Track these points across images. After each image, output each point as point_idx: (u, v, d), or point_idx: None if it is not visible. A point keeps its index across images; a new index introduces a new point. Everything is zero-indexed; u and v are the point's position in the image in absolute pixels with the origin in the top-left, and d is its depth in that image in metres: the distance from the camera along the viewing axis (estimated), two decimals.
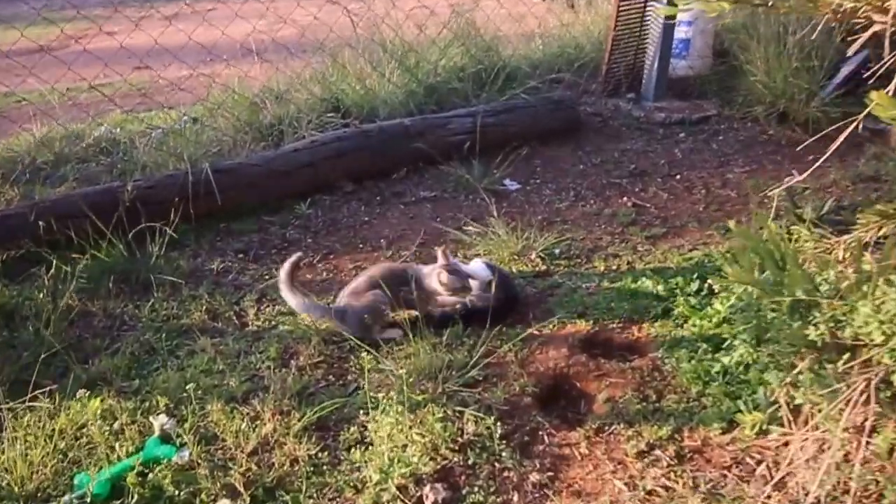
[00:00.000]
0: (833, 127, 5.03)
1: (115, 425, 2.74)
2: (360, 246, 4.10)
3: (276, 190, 4.44)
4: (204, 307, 3.52)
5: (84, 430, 2.72)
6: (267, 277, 3.78)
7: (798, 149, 3.81)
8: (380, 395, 2.85)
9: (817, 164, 2.56)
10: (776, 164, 4.98)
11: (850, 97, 5.39)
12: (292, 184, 4.48)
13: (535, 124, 5.22)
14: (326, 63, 5.69)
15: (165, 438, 2.64)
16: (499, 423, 2.73)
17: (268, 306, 3.56)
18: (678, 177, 4.85)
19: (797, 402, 2.37)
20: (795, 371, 2.34)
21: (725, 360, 2.49)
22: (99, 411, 2.77)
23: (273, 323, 3.43)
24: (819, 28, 2.60)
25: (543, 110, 5.29)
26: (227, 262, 3.93)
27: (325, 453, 2.66)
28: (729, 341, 2.54)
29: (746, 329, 2.45)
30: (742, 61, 5.64)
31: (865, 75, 5.72)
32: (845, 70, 5.56)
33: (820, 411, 2.30)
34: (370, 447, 2.68)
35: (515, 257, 3.86)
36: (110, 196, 3.92)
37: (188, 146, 4.72)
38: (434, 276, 3.25)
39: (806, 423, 2.36)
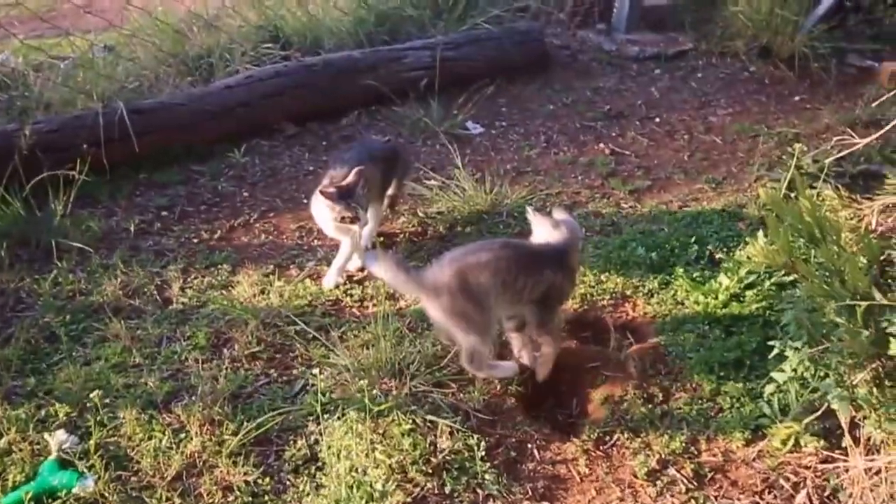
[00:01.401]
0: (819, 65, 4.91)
1: (1, 443, 2.27)
2: (305, 201, 3.57)
3: (206, 134, 4.00)
4: (118, 280, 3.00)
5: None
6: (195, 241, 3.28)
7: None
8: (333, 397, 2.41)
9: None
10: (761, 106, 4.68)
11: (838, 30, 5.09)
12: (224, 127, 4.05)
13: (500, 59, 4.74)
14: None
15: (65, 462, 2.21)
16: (479, 437, 2.28)
17: (196, 277, 3.05)
18: (657, 120, 4.48)
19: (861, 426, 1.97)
20: (854, 383, 1.92)
21: (779, 376, 2.05)
22: None
23: (202, 300, 2.93)
24: None
25: (509, 43, 4.81)
26: (147, 223, 3.44)
27: (267, 478, 2.20)
28: (776, 350, 2.09)
29: (798, 332, 1.99)
30: None
31: (849, 5, 5.39)
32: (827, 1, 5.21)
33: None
34: (322, 469, 2.22)
35: (485, 216, 3.42)
36: (5, 141, 3.44)
37: (100, 81, 4.20)
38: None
39: (868, 448, 1.95)
